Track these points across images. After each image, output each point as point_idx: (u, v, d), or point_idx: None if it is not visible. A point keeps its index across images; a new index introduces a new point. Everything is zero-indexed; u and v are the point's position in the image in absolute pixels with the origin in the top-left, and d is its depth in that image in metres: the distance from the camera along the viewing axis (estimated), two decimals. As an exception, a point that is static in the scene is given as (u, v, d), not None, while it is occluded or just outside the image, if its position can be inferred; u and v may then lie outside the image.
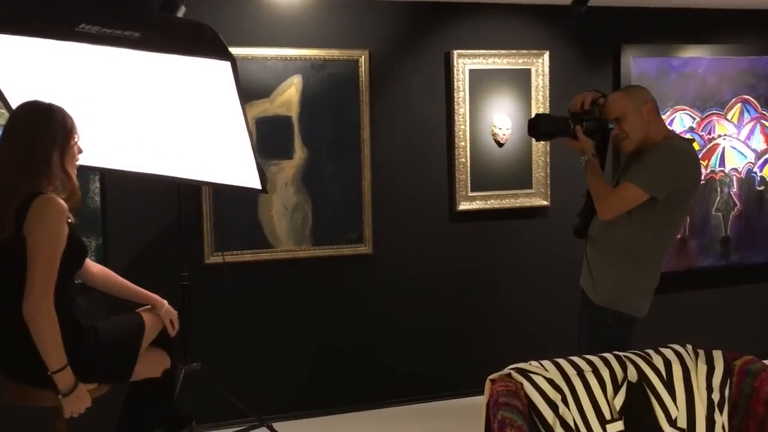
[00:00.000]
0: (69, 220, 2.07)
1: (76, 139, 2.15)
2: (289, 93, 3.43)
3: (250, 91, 3.35)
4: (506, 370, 2.08)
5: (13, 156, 2.02)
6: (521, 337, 3.86)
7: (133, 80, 2.43)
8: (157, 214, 3.32)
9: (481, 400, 2.07)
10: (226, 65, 2.20)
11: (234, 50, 3.25)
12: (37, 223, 1.95)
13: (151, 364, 2.29)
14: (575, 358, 2.15)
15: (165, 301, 2.42)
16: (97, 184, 3.21)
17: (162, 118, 2.57)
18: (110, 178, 3.20)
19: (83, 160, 2.85)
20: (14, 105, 2.56)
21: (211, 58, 2.18)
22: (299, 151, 3.47)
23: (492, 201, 3.75)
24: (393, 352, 3.70)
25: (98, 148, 2.63)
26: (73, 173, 2.14)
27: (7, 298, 1.97)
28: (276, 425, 3.20)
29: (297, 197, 3.48)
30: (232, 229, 3.41)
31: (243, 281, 3.46)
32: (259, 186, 2.71)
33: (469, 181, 3.69)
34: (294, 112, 3.44)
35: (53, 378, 1.98)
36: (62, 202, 2.02)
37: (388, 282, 3.67)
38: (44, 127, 2.04)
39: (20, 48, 2.34)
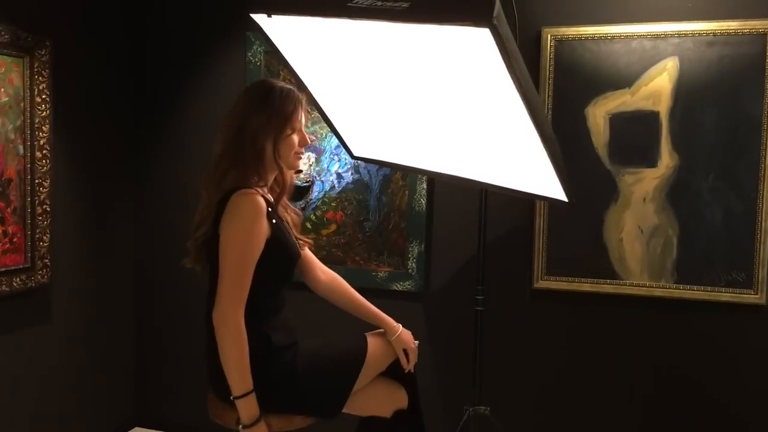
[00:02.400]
0: (273, 221, 1.77)
1: (296, 127, 1.84)
2: (659, 81, 2.61)
3: (604, 79, 2.66)
4: None
5: (222, 142, 1.81)
6: None
7: (405, 61, 2.02)
8: (492, 225, 2.87)
9: None
10: (485, 33, 1.62)
11: (586, 29, 2.66)
12: (229, 222, 1.70)
13: (376, 400, 1.87)
14: None
15: (400, 326, 1.98)
16: (424, 185, 2.92)
17: (437, 106, 2.11)
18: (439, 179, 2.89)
19: (370, 152, 2.58)
20: (315, 93, 2.42)
21: (462, 24, 1.63)
22: (666, 158, 2.63)
23: None
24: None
25: (376, 139, 2.31)
26: (287, 167, 1.84)
27: (210, 302, 1.77)
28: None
29: (658, 218, 2.65)
30: (570, 251, 2.76)
31: (575, 315, 2.79)
32: (563, 197, 2.05)
33: None
34: (663, 107, 2.62)
35: (236, 404, 1.71)
36: (261, 200, 1.73)
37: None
38: (257, 108, 1.78)
39: (308, 30, 2.15)
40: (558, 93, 2.72)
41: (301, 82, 2.36)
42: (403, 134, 2.40)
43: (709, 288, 2.61)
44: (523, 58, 2.70)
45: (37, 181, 2.73)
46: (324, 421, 1.86)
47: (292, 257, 1.89)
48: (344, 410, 1.89)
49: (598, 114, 2.69)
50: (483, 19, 1.59)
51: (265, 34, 2.17)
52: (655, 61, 2.61)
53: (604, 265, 2.72)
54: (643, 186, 2.66)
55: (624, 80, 2.65)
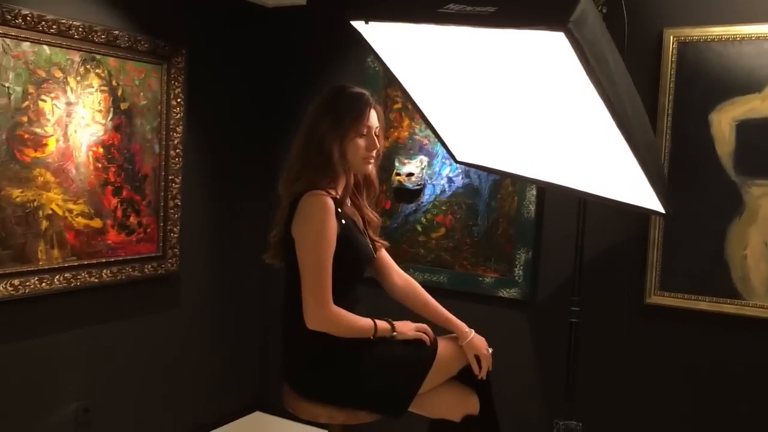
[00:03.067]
0: (342, 221, 1.81)
1: (361, 131, 1.85)
2: (794, 85, 2.39)
3: (732, 84, 2.47)
4: None
5: (295, 147, 1.87)
6: None
7: (500, 66, 2.00)
8: (602, 233, 2.77)
9: None
10: (560, 37, 1.57)
11: (712, 30, 2.48)
12: (300, 224, 1.76)
13: (446, 403, 1.87)
14: None
15: (472, 332, 1.96)
16: (534, 192, 2.86)
17: (531, 111, 2.06)
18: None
19: (472, 157, 2.56)
20: (416, 98, 2.45)
21: (537, 28, 1.60)
22: (800, 169, 2.40)
23: None
24: None
25: (477, 143, 2.29)
26: (356, 170, 1.86)
27: (286, 303, 1.84)
28: None
29: (788, 234, 2.43)
30: (687, 266, 2.59)
31: (688, 335, 2.60)
32: (660, 208, 1.93)
33: None
34: (798, 113, 2.39)
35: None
36: (328, 200, 1.77)
37: None
38: (324, 113, 1.82)
39: (405, 36, 2.19)
40: (680, 98, 2.56)
41: (402, 86, 2.41)
42: (500, 139, 2.37)
43: None
44: (643, 61, 2.59)
45: (170, 177, 2.99)
46: (390, 419, 1.89)
47: (361, 257, 1.94)
48: (413, 410, 1.92)
49: (724, 120, 2.50)
50: (559, 24, 1.56)
51: (366, 41, 2.24)
52: (790, 63, 2.39)
53: (725, 283, 2.52)
54: (772, 199, 2.44)
55: (754, 84, 2.45)
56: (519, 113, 2.18)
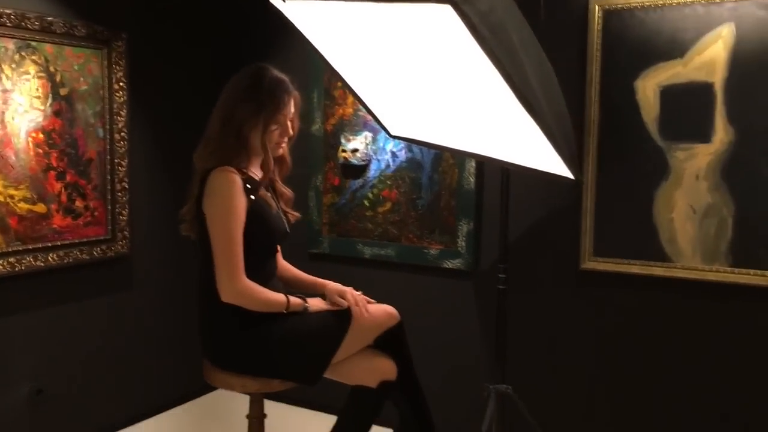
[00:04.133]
0: (252, 196, 1.86)
1: (282, 122, 1.90)
2: (713, 50, 2.44)
3: (655, 50, 2.52)
4: None
5: (210, 125, 1.92)
6: None
7: (417, 39, 2.04)
8: (534, 204, 2.83)
9: None
10: (447, 9, 1.61)
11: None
12: (208, 199, 1.81)
13: (360, 369, 1.96)
14: None
15: (329, 282, 2.13)
16: (473, 164, 2.91)
17: (450, 83, 2.10)
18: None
19: (405, 131, 2.62)
20: (344, 74, 2.49)
21: (426, 1, 1.64)
22: (721, 132, 2.45)
23: None
24: None
25: (407, 117, 2.34)
26: (272, 153, 1.91)
27: (201, 277, 1.90)
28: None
29: (712, 197, 2.49)
30: (618, 231, 2.66)
31: (621, 297, 2.68)
32: (569, 174, 1.98)
33: None
34: (718, 77, 2.44)
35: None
36: (234, 176, 1.82)
37: None
38: (244, 98, 1.87)
39: (326, 13, 2.22)
40: (606, 66, 2.61)
41: (329, 63, 2.44)
42: (426, 112, 2.42)
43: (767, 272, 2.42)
44: (571, 32, 2.64)
45: (116, 160, 3.02)
46: (305, 386, 1.97)
47: (272, 230, 2.01)
48: (331, 377, 1.99)
49: (648, 87, 2.55)
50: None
51: (288, 19, 2.27)
52: (710, 28, 2.44)
53: (654, 247, 2.59)
54: (696, 162, 2.50)
55: (676, 50, 2.50)
56: (438, 85, 2.23)
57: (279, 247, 2.22)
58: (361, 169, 3.19)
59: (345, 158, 3.17)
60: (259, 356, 1.95)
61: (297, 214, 2.21)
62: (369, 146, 3.16)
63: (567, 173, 1.99)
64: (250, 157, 2.00)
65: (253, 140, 1.97)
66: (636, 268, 2.63)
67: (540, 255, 2.82)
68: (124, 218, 3.07)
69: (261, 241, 2.00)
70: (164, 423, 3.30)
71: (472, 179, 2.93)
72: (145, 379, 3.25)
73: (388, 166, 3.13)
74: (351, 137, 3.17)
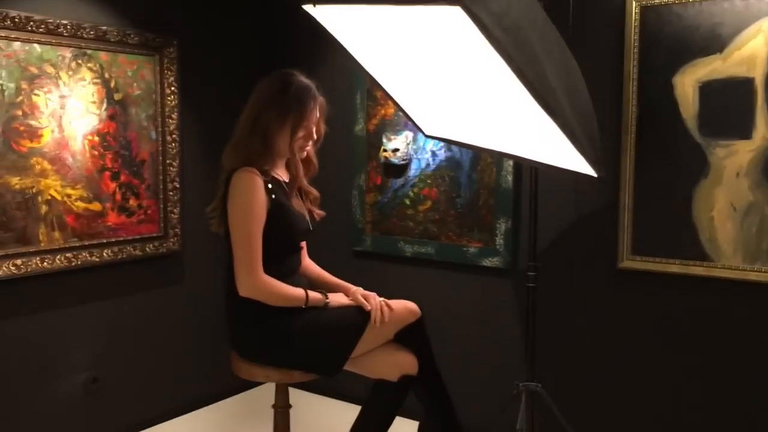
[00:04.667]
0: (273, 196, 1.93)
1: (309, 128, 1.97)
2: (754, 44, 2.38)
3: (693, 46, 2.48)
4: None
5: (238, 129, 2.00)
6: None
7: (448, 40, 2.08)
8: (577, 200, 2.81)
9: None
10: (456, 11, 1.65)
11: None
12: (231, 199, 1.89)
13: (382, 363, 2.01)
14: None
15: (352, 286, 2.17)
16: (511, 162, 2.92)
17: (478, 83, 2.13)
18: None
19: (440, 131, 2.65)
20: (378, 76, 2.54)
21: (436, 4, 1.67)
22: (762, 129, 2.39)
23: None
24: None
25: (442, 117, 2.38)
26: (294, 156, 1.97)
27: (228, 272, 1.99)
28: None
29: (754, 194, 2.42)
30: (658, 229, 2.62)
31: (660, 298, 2.63)
32: (592, 172, 1.98)
33: None
34: (759, 72, 2.38)
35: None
36: (255, 176, 1.89)
37: None
38: (272, 104, 1.94)
39: (356, 16, 2.28)
40: (644, 63, 2.58)
41: (361, 65, 2.50)
42: (459, 112, 2.45)
43: (812, 273, 2.35)
44: (609, 29, 2.63)
45: (168, 161, 3.17)
46: (326, 377, 2.03)
47: (293, 227, 2.08)
48: (352, 369, 2.05)
49: (687, 83, 2.51)
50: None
51: (320, 24, 2.34)
52: (750, 22, 2.38)
53: (694, 246, 2.54)
54: (737, 160, 2.44)
55: (715, 45, 2.45)
56: (467, 84, 2.26)
57: (305, 246, 2.29)
58: (402, 168, 3.24)
59: (386, 157, 3.23)
60: (280, 348, 2.03)
61: (322, 212, 2.28)
62: (410, 146, 3.21)
63: (591, 171, 1.99)
64: (275, 159, 2.09)
65: (279, 144, 2.06)
66: (675, 267, 2.59)
67: (578, 253, 2.80)
68: (176, 216, 3.22)
69: (282, 238, 2.08)
70: (211, 414, 3.43)
71: (510, 178, 2.94)
72: (196, 370, 3.39)
73: (428, 165, 3.17)
74: (392, 137, 3.23)
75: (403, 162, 3.22)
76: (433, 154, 3.15)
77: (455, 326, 3.10)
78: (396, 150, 3.21)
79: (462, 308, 3.08)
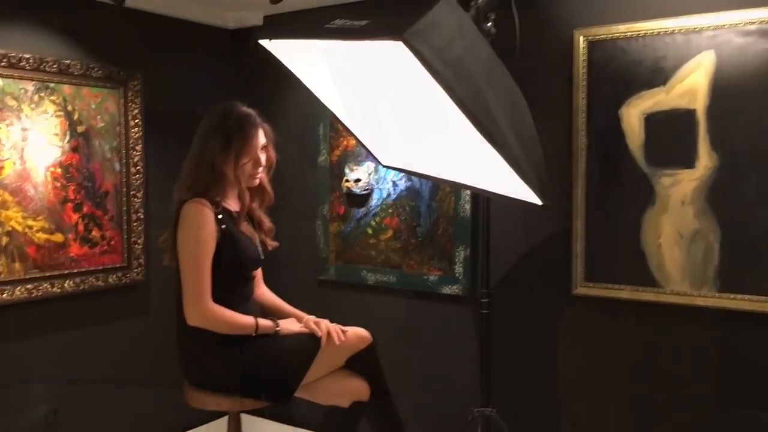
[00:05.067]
0: (223, 226, 1.98)
1: (252, 155, 2.02)
2: (695, 78, 2.47)
3: (638, 79, 2.57)
4: None
5: (189, 160, 2.05)
6: None
7: (395, 71, 2.15)
8: (531, 228, 2.88)
9: None
10: (399, 46, 1.71)
11: (617, 28, 2.58)
12: (180, 230, 1.94)
13: (333, 390, 2.04)
14: None
15: (305, 314, 2.21)
16: (468, 191, 2.98)
17: (425, 113, 2.20)
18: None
19: (395, 161, 2.71)
20: (333, 108, 2.61)
21: (380, 39, 1.74)
22: (705, 158, 2.47)
23: None
24: None
25: (395, 147, 2.44)
26: (246, 184, 2.03)
27: (178, 301, 2.03)
28: None
29: (698, 222, 2.50)
30: (609, 256, 2.69)
31: (613, 323, 2.69)
32: (538, 200, 2.04)
33: None
34: (699, 104, 2.47)
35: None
36: (204, 208, 1.94)
37: None
38: (214, 134, 2.00)
39: (308, 49, 2.35)
40: (592, 95, 2.67)
41: (317, 97, 2.57)
42: (409, 141, 2.51)
43: (755, 297, 2.42)
44: (559, 62, 2.72)
45: (132, 192, 3.20)
46: (278, 404, 2.06)
47: (243, 256, 2.12)
48: (305, 397, 2.07)
49: (633, 114, 2.60)
50: (395, 34, 1.71)
51: (276, 58, 2.41)
52: (690, 56, 2.48)
53: (644, 272, 2.61)
54: (681, 188, 2.53)
55: (658, 78, 2.54)
56: (418, 114, 2.32)
57: (259, 274, 2.33)
58: (364, 198, 3.30)
59: (348, 188, 3.28)
60: (230, 375, 2.05)
61: (275, 243, 2.33)
62: (371, 176, 3.27)
63: (537, 200, 2.05)
64: (225, 189, 2.13)
65: (227, 173, 2.10)
66: (626, 293, 2.65)
67: (534, 280, 2.86)
68: (140, 246, 3.24)
69: (232, 268, 2.12)
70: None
71: (468, 207, 3.00)
72: (159, 401, 3.38)
73: (389, 195, 3.23)
74: (354, 167, 3.29)
75: (364, 192, 3.28)
76: (394, 184, 3.22)
77: (414, 353, 3.13)
78: (358, 180, 3.27)
79: (422, 335, 3.12)
